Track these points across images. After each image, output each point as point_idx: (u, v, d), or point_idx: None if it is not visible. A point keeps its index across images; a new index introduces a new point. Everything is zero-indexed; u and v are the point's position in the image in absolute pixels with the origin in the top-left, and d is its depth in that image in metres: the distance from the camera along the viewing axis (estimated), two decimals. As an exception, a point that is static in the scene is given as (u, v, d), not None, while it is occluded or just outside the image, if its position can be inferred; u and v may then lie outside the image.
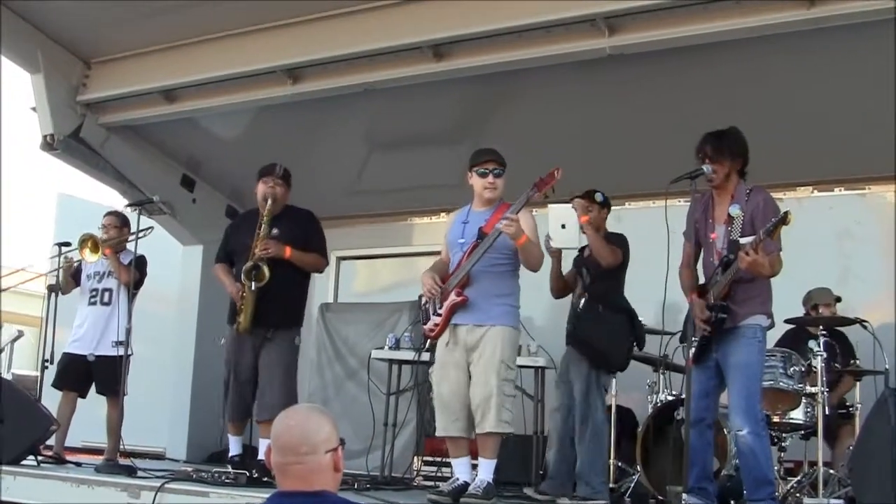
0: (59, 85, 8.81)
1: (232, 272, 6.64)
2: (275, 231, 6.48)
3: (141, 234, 7.14)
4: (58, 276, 7.65)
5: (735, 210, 5.24)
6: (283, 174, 6.63)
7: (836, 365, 6.49)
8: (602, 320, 6.24)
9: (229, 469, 6.11)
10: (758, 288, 5.24)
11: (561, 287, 6.53)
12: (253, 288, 6.33)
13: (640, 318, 6.90)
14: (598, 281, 6.27)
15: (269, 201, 6.49)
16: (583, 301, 6.23)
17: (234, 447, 6.69)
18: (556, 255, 6.34)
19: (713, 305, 5.19)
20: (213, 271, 6.87)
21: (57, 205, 12.15)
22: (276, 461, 2.89)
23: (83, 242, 7.32)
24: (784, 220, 4.91)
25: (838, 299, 7.15)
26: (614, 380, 7.06)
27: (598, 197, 6.31)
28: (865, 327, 6.52)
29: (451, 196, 6.55)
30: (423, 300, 5.79)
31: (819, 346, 6.26)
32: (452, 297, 5.56)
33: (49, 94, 8.70)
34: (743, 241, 5.10)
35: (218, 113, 8.88)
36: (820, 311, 7.07)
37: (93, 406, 7.55)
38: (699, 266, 5.52)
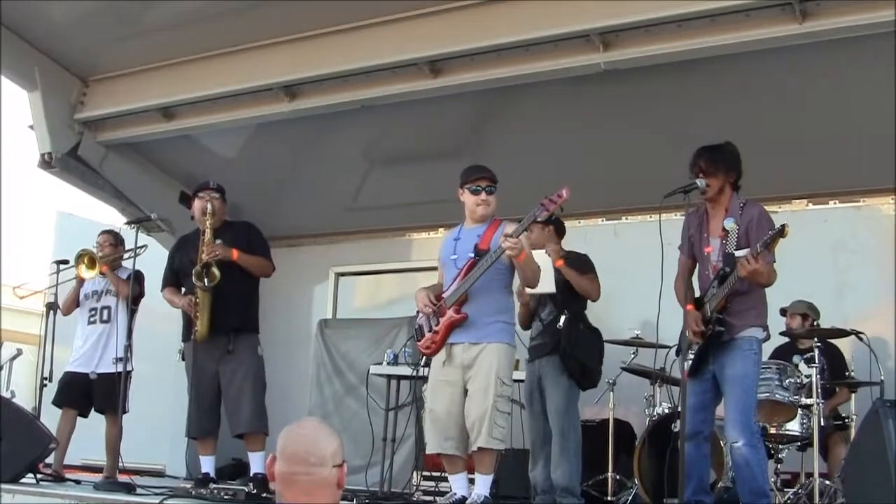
0: (57, 103, 8.81)
1: (180, 293, 6.66)
2: (218, 241, 6.50)
3: (136, 252, 7.13)
4: (55, 294, 7.65)
5: (730, 223, 5.26)
6: (217, 188, 6.71)
7: (823, 381, 6.50)
8: (587, 338, 6.32)
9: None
10: (753, 300, 5.26)
11: (528, 321, 6.52)
12: (206, 285, 6.34)
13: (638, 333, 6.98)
14: (572, 301, 6.31)
15: (209, 213, 6.50)
16: (563, 318, 6.24)
17: (204, 466, 6.57)
18: (528, 300, 6.39)
19: (710, 318, 5.21)
20: (163, 296, 6.83)
21: (56, 223, 12.14)
22: (281, 471, 2.80)
23: (79, 258, 7.33)
24: (781, 232, 4.95)
25: (809, 310, 7.14)
26: (612, 393, 7.10)
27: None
28: (861, 339, 6.56)
29: (449, 211, 6.55)
30: (418, 317, 5.76)
31: (802, 361, 6.28)
32: (451, 315, 5.49)
33: (47, 112, 8.70)
34: (738, 254, 5.13)
35: (216, 130, 8.90)
36: (787, 319, 7.11)
37: (93, 424, 7.53)
38: (695, 279, 5.54)
